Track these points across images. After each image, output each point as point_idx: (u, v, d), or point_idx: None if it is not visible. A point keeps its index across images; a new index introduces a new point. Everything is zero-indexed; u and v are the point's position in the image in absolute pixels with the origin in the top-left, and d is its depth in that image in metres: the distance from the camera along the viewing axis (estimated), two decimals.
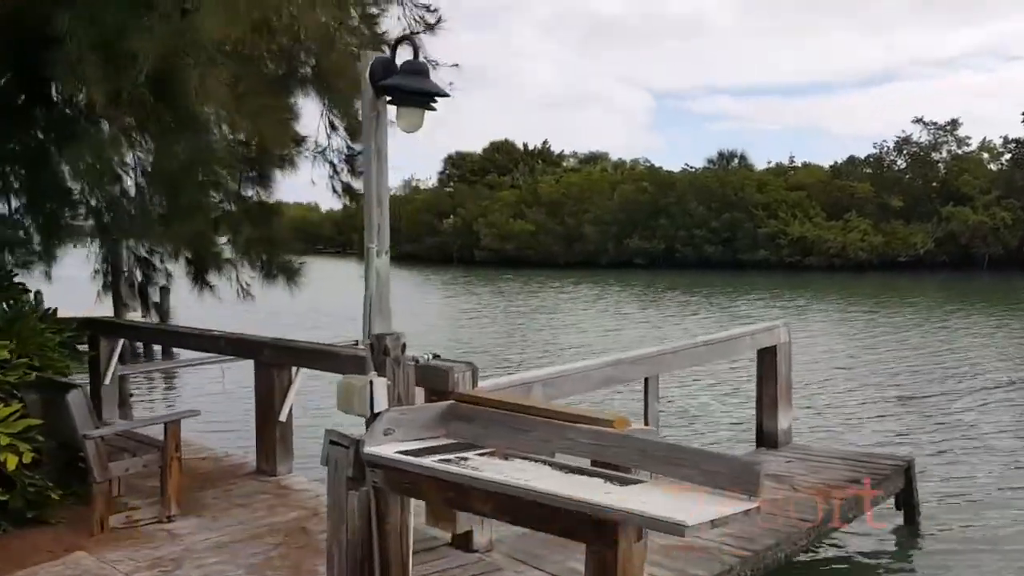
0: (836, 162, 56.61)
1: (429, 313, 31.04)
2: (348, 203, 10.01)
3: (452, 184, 76.82)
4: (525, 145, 78.62)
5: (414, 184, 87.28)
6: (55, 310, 8.09)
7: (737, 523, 2.74)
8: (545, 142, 79.42)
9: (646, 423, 6.98)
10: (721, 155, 64.42)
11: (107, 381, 8.24)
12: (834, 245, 48.90)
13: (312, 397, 10.00)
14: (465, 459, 3.06)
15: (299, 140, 9.49)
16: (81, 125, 6.26)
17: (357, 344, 13.01)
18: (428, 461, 3.02)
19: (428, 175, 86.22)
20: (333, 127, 9.65)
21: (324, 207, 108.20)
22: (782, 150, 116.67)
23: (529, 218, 61.93)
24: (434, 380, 5.09)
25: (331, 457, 3.29)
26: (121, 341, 8.32)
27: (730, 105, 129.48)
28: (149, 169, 7.09)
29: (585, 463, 3.69)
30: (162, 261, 10.83)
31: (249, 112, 5.66)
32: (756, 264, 50.12)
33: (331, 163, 9.81)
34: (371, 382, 3.28)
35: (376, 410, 3.26)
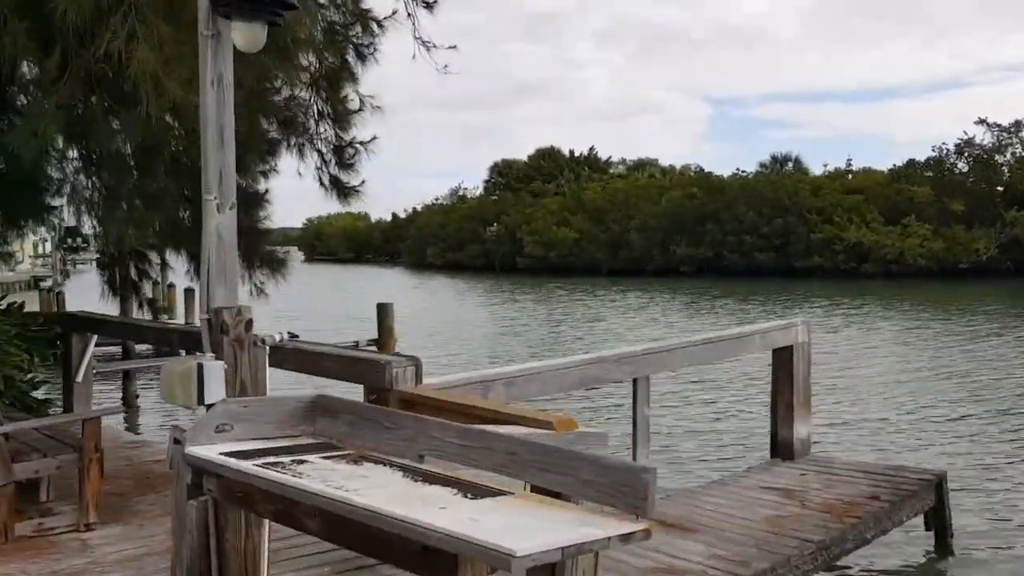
0: (895, 165, 54.68)
1: (468, 321, 30.60)
2: (337, 198, 9.45)
3: (497, 192, 76.47)
4: (571, 152, 77.94)
5: (461, 193, 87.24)
6: (22, 304, 7.77)
7: (628, 548, 2.08)
8: (592, 149, 78.66)
9: (634, 430, 6.30)
10: (774, 159, 62.90)
11: (79, 378, 7.85)
12: (892, 251, 47.02)
13: None
14: (303, 462, 2.46)
15: (288, 123, 9.03)
16: (23, 101, 5.87)
17: (357, 345, 12.57)
18: (248, 464, 2.43)
19: (476, 184, 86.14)
20: (320, 114, 9.18)
21: (374, 217, 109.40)
22: (840, 156, 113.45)
23: (573, 225, 61.13)
24: (370, 375, 4.52)
25: (173, 458, 2.73)
26: (94, 337, 7.94)
27: (789, 112, 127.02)
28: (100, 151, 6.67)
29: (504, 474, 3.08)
30: (160, 254, 10.47)
31: (182, 80, 5.15)
32: (809, 271, 48.45)
33: (319, 152, 9.31)
34: (199, 366, 2.69)
35: (208, 400, 2.68)
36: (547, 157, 77.49)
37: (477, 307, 37.39)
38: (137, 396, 13.33)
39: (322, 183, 9.55)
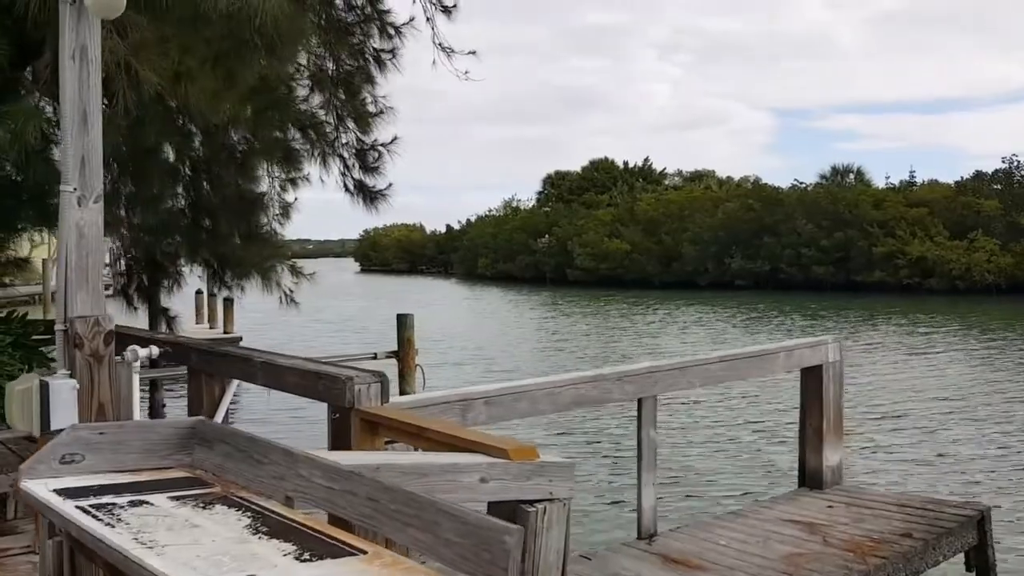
0: (962, 178, 52.64)
1: (514, 332, 30.24)
2: (364, 203, 9.23)
3: (550, 204, 76.09)
4: (625, 163, 77.15)
5: (514, 204, 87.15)
6: (24, 313, 7.68)
7: None
8: (646, 160, 77.76)
9: (639, 456, 5.84)
10: (835, 170, 61.05)
11: None
12: (957, 266, 45.18)
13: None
14: (139, 504, 2.09)
15: (303, 126, 8.83)
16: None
17: (375, 356, 12.28)
18: (69, 506, 2.07)
19: (529, 196, 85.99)
20: (340, 118, 8.96)
21: (429, 228, 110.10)
22: (907, 168, 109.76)
23: (625, 237, 60.33)
24: (331, 393, 4.18)
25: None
26: None
27: (855, 123, 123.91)
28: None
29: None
30: (177, 262, 10.38)
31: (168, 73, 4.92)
32: (870, 286, 46.84)
33: (341, 157, 9.10)
34: (42, 384, 2.33)
35: (56, 425, 2.33)
36: (600, 168, 76.84)
37: (525, 319, 37.00)
38: (164, 406, 13.27)
39: (347, 188, 9.38)
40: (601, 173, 75.48)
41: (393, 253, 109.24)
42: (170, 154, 7.91)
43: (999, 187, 49.05)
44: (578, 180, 76.09)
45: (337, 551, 1.82)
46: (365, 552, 1.79)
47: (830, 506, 6.50)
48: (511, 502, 3.18)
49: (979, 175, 51.42)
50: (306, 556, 1.80)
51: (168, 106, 6.76)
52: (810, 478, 7.00)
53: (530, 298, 51.05)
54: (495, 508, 3.31)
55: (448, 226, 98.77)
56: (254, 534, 1.95)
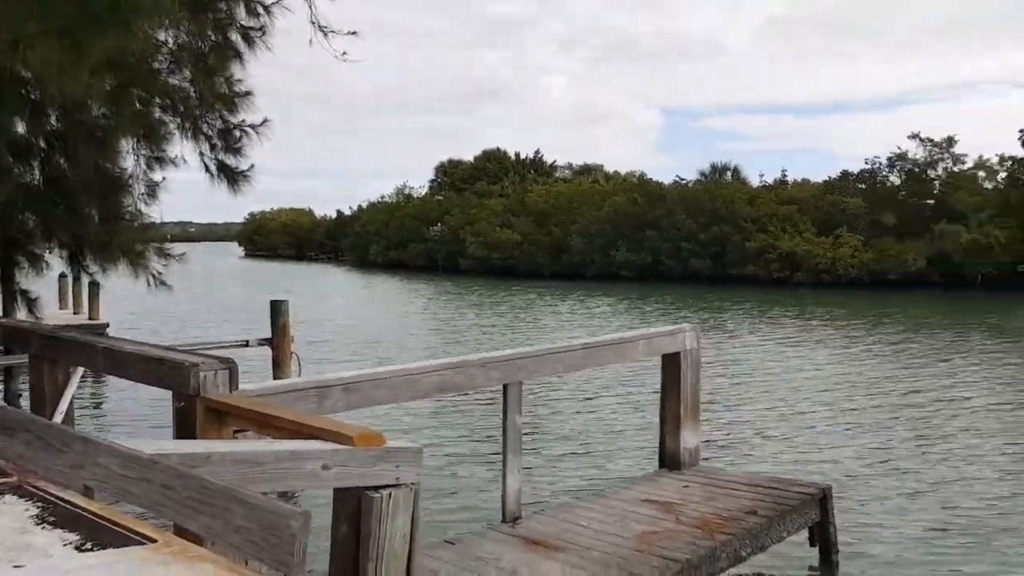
0: (830, 178, 55.65)
1: (403, 321, 30.03)
2: (227, 186, 8.91)
3: (442, 192, 75.90)
4: (517, 154, 77.70)
5: (407, 191, 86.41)
6: None
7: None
8: (537, 152, 78.56)
9: (504, 441, 5.93)
10: (714, 168, 63.39)
11: None
12: (823, 261, 47.78)
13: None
14: None
15: (167, 103, 8.45)
16: None
17: (248, 344, 11.98)
18: None
19: (423, 183, 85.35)
20: (202, 97, 8.62)
21: (318, 212, 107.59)
22: (788, 168, 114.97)
23: (516, 228, 60.91)
24: (175, 380, 4.04)
25: None
26: None
27: (740, 124, 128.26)
28: None
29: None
30: (33, 241, 9.73)
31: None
32: (744, 279, 48.99)
33: (205, 136, 8.76)
34: None
35: None
36: (493, 159, 77.14)
37: (416, 308, 36.80)
38: (20, 395, 12.50)
39: (207, 169, 9.02)
40: (493, 163, 75.79)
41: (280, 238, 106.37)
42: (20, 127, 7.43)
43: (863, 187, 52.12)
44: (471, 169, 76.16)
45: (124, 540, 1.76)
46: (154, 540, 1.74)
47: (686, 486, 6.79)
48: (356, 488, 3.17)
49: (845, 175, 54.47)
50: (88, 546, 1.74)
51: (19, 77, 6.36)
52: (669, 460, 7.28)
53: (422, 286, 50.81)
54: (340, 495, 3.29)
55: (339, 212, 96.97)
56: (38, 524, 1.87)
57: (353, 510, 3.10)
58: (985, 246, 44.17)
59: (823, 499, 6.64)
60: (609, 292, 42.97)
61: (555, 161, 79.46)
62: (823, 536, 6.71)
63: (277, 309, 11.02)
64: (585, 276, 54.78)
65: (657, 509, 6.22)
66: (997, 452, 10.70)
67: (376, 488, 3.14)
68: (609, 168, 78.29)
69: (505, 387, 5.81)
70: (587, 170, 78.08)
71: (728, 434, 11.68)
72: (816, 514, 6.62)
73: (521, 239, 59.95)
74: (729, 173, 61.75)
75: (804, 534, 6.68)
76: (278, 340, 10.99)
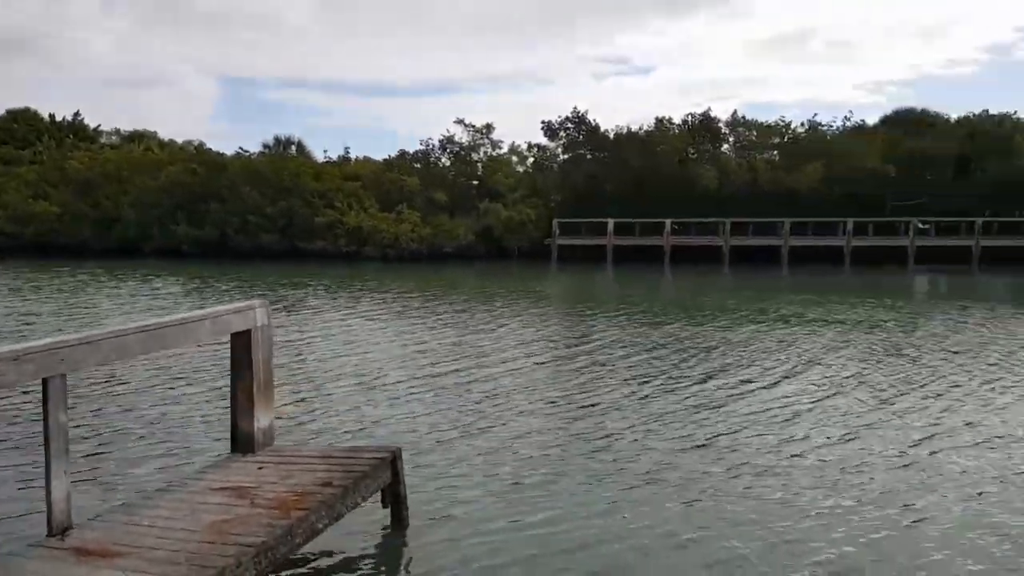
0: (389, 156, 58.56)
1: None
2: None
3: None
4: (52, 116, 68.11)
5: None
6: None
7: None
8: (77, 114, 69.68)
9: (47, 444, 5.19)
10: (278, 141, 62.59)
11: None
12: (388, 236, 50.21)
13: None
14: None
15: None
16: None
17: None
18: None
19: None
20: None
21: None
22: (353, 145, 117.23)
23: (54, 199, 53.55)
24: None
25: None
26: None
27: (304, 98, 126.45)
28: None
29: None
30: None
31: None
32: (315, 253, 49.36)
33: None
34: None
35: None
36: (22, 119, 66.48)
37: None
38: None
39: None
40: (23, 125, 65.29)
41: None
42: None
43: (419, 166, 55.85)
44: None
45: None
46: None
47: (261, 468, 6.65)
48: None
49: (403, 154, 57.87)
50: None
51: None
52: (242, 442, 7.06)
53: None
54: None
55: None
56: None
57: None
58: (520, 222, 50.38)
59: (393, 461, 6.99)
60: (176, 270, 40.07)
61: (99, 126, 71.34)
62: (394, 496, 7.06)
63: None
64: (144, 252, 50.44)
65: (230, 495, 5.99)
66: (544, 402, 12.23)
67: None
68: (164, 135, 72.73)
69: (45, 381, 5.07)
70: (138, 137, 71.45)
71: (311, 410, 11.69)
72: (388, 476, 6.95)
73: (61, 211, 52.92)
74: (294, 147, 61.51)
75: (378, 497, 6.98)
76: None
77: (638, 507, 7.85)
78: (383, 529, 7.12)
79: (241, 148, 60.05)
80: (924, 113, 53.86)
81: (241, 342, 6.87)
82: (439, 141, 56.54)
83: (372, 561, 6.68)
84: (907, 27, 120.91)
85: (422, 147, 57.09)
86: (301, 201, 51.09)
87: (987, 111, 53.01)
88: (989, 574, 6.49)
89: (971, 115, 52.92)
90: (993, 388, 13.21)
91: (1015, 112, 52.12)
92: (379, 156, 59.87)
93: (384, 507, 7.10)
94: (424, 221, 50.99)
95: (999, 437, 10.26)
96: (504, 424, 10.87)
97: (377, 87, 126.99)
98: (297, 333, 19.31)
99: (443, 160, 56.85)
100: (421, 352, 16.65)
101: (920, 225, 45.52)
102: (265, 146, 60.70)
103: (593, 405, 12.04)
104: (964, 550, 6.89)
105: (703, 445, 9.91)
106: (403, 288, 31.86)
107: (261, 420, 7.07)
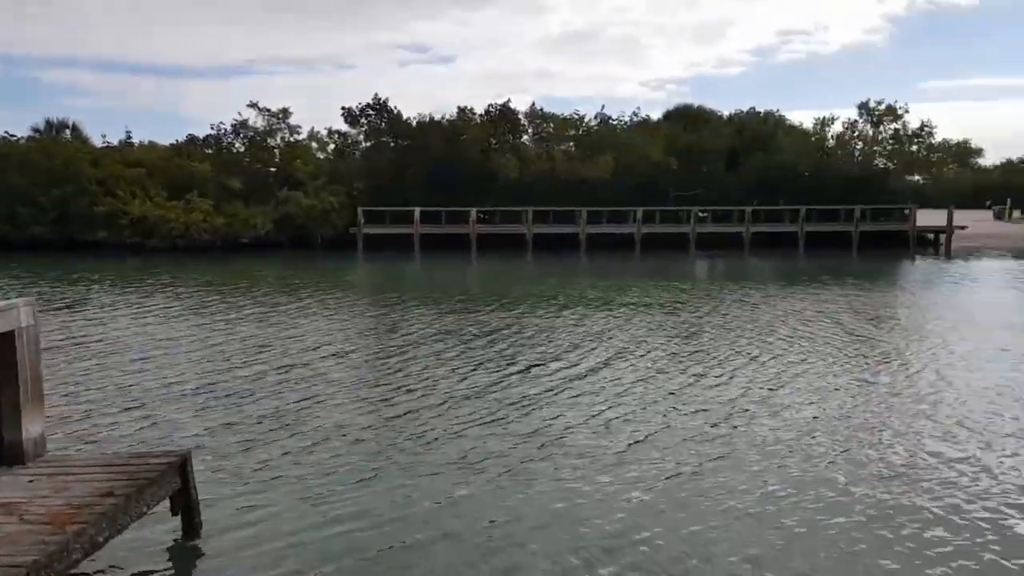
0: (177, 140, 55.02)
1: None
2: None
3: None
4: None
5: None
6: None
7: None
8: None
9: None
10: (50, 125, 56.97)
11: None
12: (177, 226, 47.21)
13: None
14: None
15: None
16: None
17: None
18: None
19: None
20: None
21: None
22: (134, 129, 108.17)
23: None
24: None
25: None
26: None
27: (79, 79, 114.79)
28: None
29: None
30: None
31: None
32: (95, 245, 45.45)
33: None
34: None
35: None
36: None
37: None
38: None
39: None
40: None
41: None
42: None
43: (210, 152, 52.90)
44: None
45: None
46: None
47: (31, 480, 6.12)
48: None
49: (192, 139, 54.54)
50: None
51: None
52: (9, 455, 6.46)
53: None
54: None
55: None
56: None
57: None
58: (323, 211, 49.09)
59: (183, 465, 6.65)
60: None
61: None
62: (185, 502, 6.73)
63: None
64: None
65: None
66: (356, 398, 12.01)
67: None
68: None
69: None
70: None
71: (89, 415, 10.81)
72: (177, 481, 6.60)
73: None
74: (68, 131, 56.24)
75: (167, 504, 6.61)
76: None
77: (447, 496, 7.96)
78: (175, 538, 6.76)
79: (7, 132, 54.07)
80: (700, 109, 58.20)
81: (5, 345, 6.25)
82: (232, 125, 53.85)
83: (158, 574, 6.32)
84: (684, 32, 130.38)
85: (213, 132, 54.12)
86: (78, 190, 46.89)
87: (754, 108, 58.20)
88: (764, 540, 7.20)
89: (740, 112, 57.89)
90: (786, 362, 14.48)
91: (777, 110, 57.74)
92: (165, 141, 56.13)
93: (174, 515, 6.74)
94: (217, 210, 48.40)
95: (789, 407, 11.31)
96: (313, 422, 10.59)
97: (162, 67, 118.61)
98: (81, 333, 17.74)
99: (237, 145, 54.20)
100: (221, 351, 15.75)
101: (700, 214, 49.27)
102: (35, 130, 55.09)
103: (407, 395, 12.02)
104: (744, 516, 7.59)
105: (518, 432, 10.15)
106: (199, 282, 30.10)
107: (30, 429, 6.48)
